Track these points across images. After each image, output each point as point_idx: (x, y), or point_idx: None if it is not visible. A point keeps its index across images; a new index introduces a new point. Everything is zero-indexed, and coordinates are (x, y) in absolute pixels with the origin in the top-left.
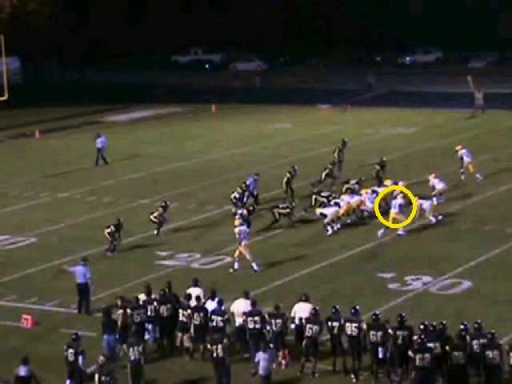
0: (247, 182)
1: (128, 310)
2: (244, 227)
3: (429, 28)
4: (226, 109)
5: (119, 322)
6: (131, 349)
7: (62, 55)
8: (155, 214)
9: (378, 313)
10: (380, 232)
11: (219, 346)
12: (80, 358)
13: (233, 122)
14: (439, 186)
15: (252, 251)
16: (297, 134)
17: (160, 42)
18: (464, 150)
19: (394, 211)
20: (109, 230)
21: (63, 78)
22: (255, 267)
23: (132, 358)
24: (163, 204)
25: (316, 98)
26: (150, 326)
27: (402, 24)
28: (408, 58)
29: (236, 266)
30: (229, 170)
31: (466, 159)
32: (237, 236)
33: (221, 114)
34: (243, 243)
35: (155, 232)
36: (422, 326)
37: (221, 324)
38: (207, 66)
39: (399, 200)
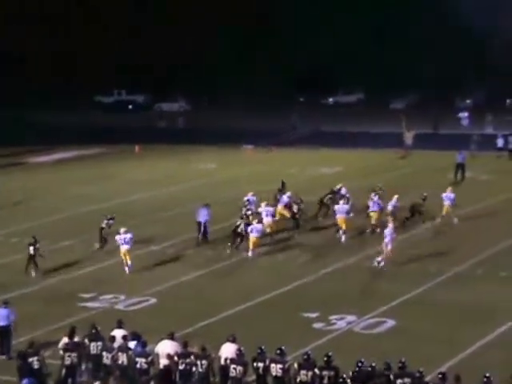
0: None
1: (61, 352)
2: None
3: (351, 69)
4: (150, 149)
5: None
6: None
7: None
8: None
9: (309, 352)
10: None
11: None
12: None
13: (157, 163)
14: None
15: None
16: (221, 175)
17: (83, 82)
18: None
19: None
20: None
21: None
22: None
23: None
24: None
25: (240, 138)
26: (82, 367)
27: (326, 64)
28: (331, 99)
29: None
30: (152, 210)
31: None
32: None
33: (144, 154)
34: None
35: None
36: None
37: (145, 366)
38: (131, 106)
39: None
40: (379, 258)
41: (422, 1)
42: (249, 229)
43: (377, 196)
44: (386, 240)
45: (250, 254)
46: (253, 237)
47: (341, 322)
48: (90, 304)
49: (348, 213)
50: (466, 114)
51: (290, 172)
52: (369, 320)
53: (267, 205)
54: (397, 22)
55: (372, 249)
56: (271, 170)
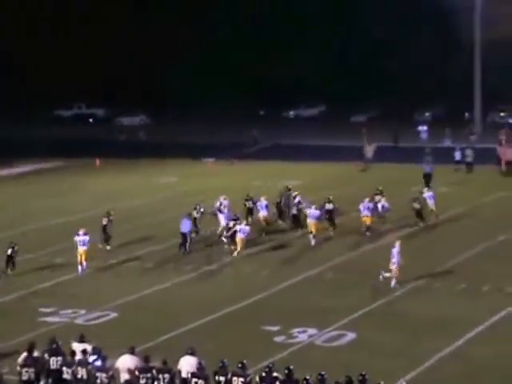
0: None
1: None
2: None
3: (313, 82)
4: (111, 163)
5: None
6: None
7: None
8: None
9: (271, 365)
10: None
11: None
12: None
13: (117, 176)
14: None
15: None
16: (182, 188)
17: (42, 96)
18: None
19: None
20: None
21: None
22: None
23: None
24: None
25: (201, 151)
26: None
27: (287, 78)
28: (292, 112)
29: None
30: (113, 224)
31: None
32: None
33: (105, 168)
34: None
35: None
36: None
37: (105, 381)
38: (91, 120)
39: None
40: (387, 274)
41: (384, 15)
42: (237, 229)
43: (367, 200)
44: (394, 260)
45: (235, 254)
46: (240, 237)
47: (302, 335)
48: (50, 319)
49: (318, 218)
50: (424, 128)
51: (253, 184)
52: (330, 333)
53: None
54: (359, 36)
55: (335, 260)
56: (233, 183)
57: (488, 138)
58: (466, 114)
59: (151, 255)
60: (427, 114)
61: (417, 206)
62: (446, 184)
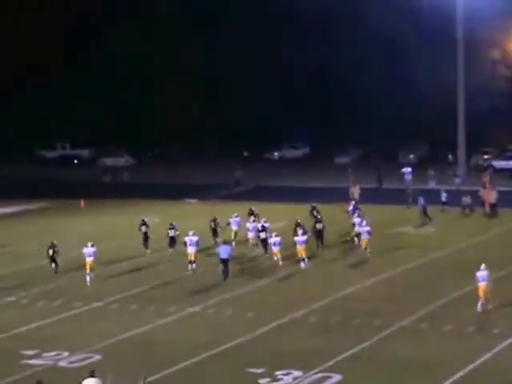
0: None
1: None
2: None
3: (297, 124)
4: (95, 204)
5: None
6: None
7: None
8: None
9: None
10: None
11: None
12: None
13: (101, 217)
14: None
15: None
16: (165, 228)
17: (25, 136)
18: None
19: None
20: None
21: None
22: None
23: None
24: None
25: (184, 192)
26: None
27: (268, 120)
28: (276, 154)
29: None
30: (97, 264)
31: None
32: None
33: (89, 208)
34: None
35: None
36: None
37: None
38: (76, 161)
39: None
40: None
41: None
42: (271, 241)
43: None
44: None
45: (280, 263)
46: (276, 249)
47: (287, 378)
48: (32, 361)
49: (306, 242)
50: (409, 170)
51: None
52: (315, 375)
53: (254, 221)
54: (341, 80)
55: (320, 302)
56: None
57: (471, 179)
58: (450, 156)
59: (135, 296)
60: (411, 156)
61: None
62: (432, 225)
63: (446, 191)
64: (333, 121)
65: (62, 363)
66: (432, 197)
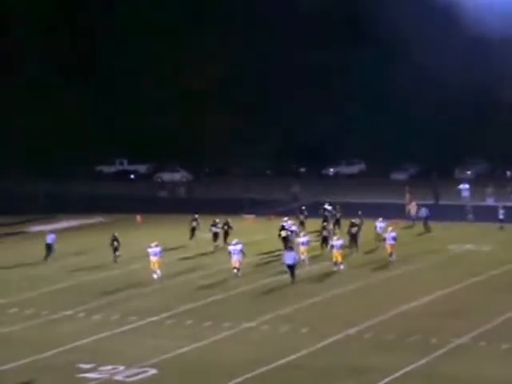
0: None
1: None
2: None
3: (353, 141)
4: (151, 219)
5: None
6: None
7: None
8: None
9: None
10: None
11: None
12: None
13: (158, 232)
14: None
15: None
16: (222, 244)
17: (84, 152)
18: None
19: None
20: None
21: None
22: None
23: None
24: None
25: (241, 207)
26: None
27: (327, 136)
28: (332, 170)
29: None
30: (152, 281)
31: None
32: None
33: (146, 224)
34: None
35: None
36: None
37: None
38: (133, 176)
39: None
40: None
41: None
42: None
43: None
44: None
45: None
46: (303, 248)
47: None
48: (89, 375)
49: (342, 247)
50: (466, 186)
51: None
52: None
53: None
54: (397, 96)
55: (376, 318)
56: (271, 238)
57: None
58: (508, 173)
59: (190, 311)
60: (469, 173)
61: None
62: (489, 242)
63: (504, 208)
64: (389, 137)
65: (118, 377)
66: (490, 214)
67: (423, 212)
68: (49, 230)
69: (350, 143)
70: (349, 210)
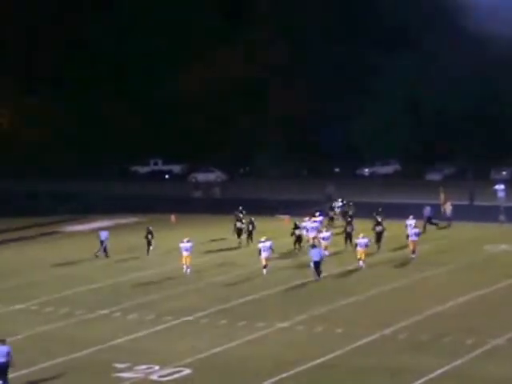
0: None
1: None
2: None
3: (389, 141)
4: (186, 219)
5: None
6: None
7: None
8: None
9: None
10: None
11: None
12: None
13: (192, 233)
14: None
15: None
16: (256, 244)
17: (119, 152)
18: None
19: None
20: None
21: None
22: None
23: None
24: None
25: (276, 208)
26: None
27: (363, 136)
28: (366, 170)
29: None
30: (188, 280)
31: None
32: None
33: (180, 224)
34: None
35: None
36: None
37: None
38: (167, 176)
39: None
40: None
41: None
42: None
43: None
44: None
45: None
46: (325, 243)
47: None
48: (124, 374)
49: (367, 245)
50: (502, 187)
51: None
52: None
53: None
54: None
55: (411, 318)
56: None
57: None
58: None
59: (225, 311)
60: (504, 173)
61: None
62: None
63: None
64: (423, 137)
65: (153, 377)
66: None
67: (428, 211)
68: (102, 227)
69: (386, 143)
70: (387, 211)
